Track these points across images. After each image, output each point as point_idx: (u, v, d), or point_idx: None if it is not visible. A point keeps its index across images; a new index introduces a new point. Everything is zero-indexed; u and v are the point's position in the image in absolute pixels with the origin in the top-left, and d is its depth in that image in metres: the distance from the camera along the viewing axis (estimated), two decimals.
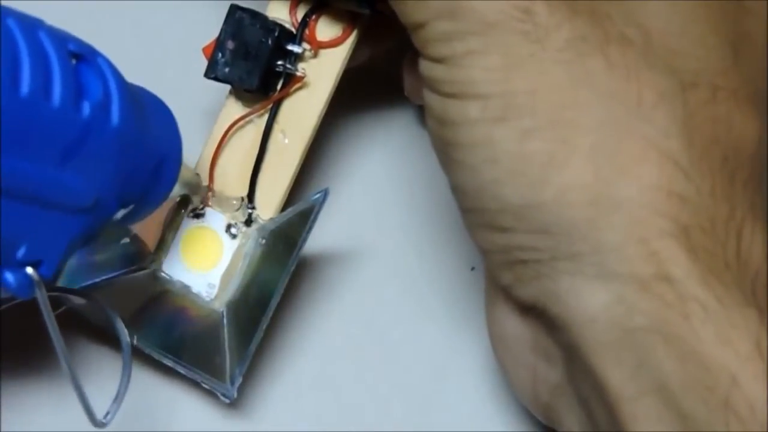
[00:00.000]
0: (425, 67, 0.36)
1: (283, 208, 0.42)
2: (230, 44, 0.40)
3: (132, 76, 0.46)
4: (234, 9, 0.40)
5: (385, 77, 0.44)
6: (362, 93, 0.43)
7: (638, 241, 0.33)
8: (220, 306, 0.42)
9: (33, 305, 0.40)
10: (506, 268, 0.36)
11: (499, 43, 0.34)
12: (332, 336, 0.45)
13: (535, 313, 0.36)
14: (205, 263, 0.42)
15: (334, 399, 0.44)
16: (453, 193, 0.37)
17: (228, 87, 0.42)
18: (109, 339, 0.42)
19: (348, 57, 0.41)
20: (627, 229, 0.33)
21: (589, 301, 0.34)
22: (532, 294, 0.35)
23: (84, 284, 0.41)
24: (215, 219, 0.42)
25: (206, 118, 0.44)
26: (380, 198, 0.46)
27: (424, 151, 0.46)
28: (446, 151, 0.36)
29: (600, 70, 0.34)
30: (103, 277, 0.42)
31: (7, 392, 0.44)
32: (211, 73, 0.41)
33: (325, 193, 0.40)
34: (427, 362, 0.44)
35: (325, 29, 0.41)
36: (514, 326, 0.38)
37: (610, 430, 0.34)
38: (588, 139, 0.34)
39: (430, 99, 0.36)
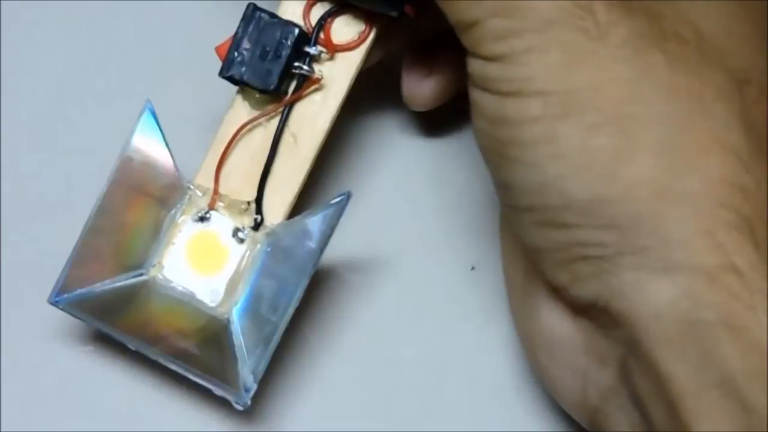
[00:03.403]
0: (477, 66, 0.35)
1: (292, 213, 0.41)
2: (247, 44, 0.40)
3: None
4: (253, 8, 0.40)
5: (388, 78, 0.44)
6: (362, 94, 0.42)
7: (705, 233, 0.34)
8: (225, 312, 0.40)
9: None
10: (564, 267, 0.36)
11: (559, 40, 0.34)
12: (344, 340, 0.44)
13: (590, 313, 0.36)
14: (210, 268, 0.41)
15: (350, 405, 0.44)
16: (503, 192, 0.37)
17: (234, 88, 0.41)
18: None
19: (364, 59, 0.41)
20: (694, 221, 0.34)
21: (654, 296, 0.34)
22: (592, 292, 0.35)
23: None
24: (221, 223, 0.41)
25: (208, 119, 0.43)
26: (379, 199, 0.46)
27: (421, 153, 0.46)
28: (501, 151, 0.35)
29: (660, 65, 0.35)
30: (104, 284, 0.40)
31: (7, 392, 0.42)
32: (227, 71, 0.40)
33: (348, 196, 0.39)
34: (436, 363, 0.44)
35: (340, 31, 0.41)
36: (565, 329, 0.38)
37: (667, 428, 0.34)
38: (654, 133, 0.34)
39: (482, 98, 0.36)
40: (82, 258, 0.40)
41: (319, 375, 0.44)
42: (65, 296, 0.39)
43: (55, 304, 0.39)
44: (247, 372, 0.39)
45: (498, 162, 0.36)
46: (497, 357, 0.44)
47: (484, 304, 0.45)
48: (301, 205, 0.41)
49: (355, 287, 0.44)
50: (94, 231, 0.40)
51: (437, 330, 0.44)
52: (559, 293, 0.37)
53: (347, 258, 0.44)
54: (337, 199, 0.39)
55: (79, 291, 0.40)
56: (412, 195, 0.46)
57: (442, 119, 0.45)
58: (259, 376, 0.39)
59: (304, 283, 0.39)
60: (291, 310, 0.39)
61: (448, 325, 0.45)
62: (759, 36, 0.37)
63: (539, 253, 0.36)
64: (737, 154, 0.34)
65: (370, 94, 0.44)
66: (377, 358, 0.44)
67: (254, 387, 0.39)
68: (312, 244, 0.39)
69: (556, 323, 0.38)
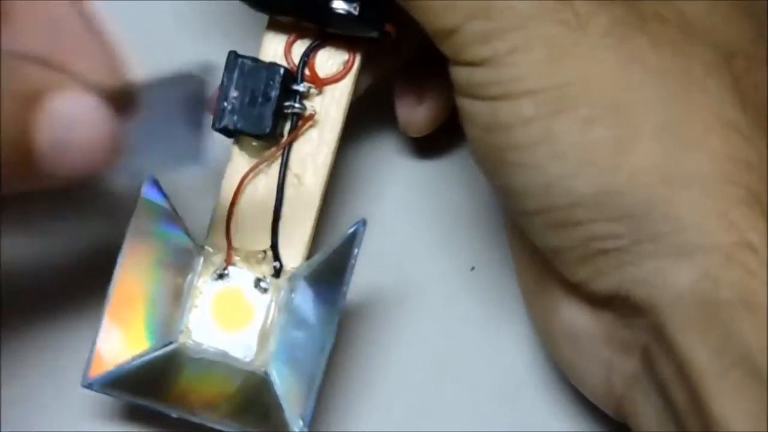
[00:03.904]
0: (462, 73, 0.35)
1: (310, 252, 0.40)
2: (234, 92, 0.39)
3: None
4: (234, 56, 0.39)
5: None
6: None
7: (717, 212, 0.33)
8: (262, 365, 0.40)
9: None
10: (582, 263, 0.35)
11: (541, 35, 0.34)
12: (347, 344, 0.44)
13: (611, 304, 0.36)
14: (238, 324, 0.40)
15: (354, 405, 0.44)
16: (508, 199, 0.36)
17: (230, 141, 0.40)
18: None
19: (353, 88, 0.40)
20: (704, 201, 0.33)
21: (675, 280, 0.34)
22: (614, 283, 0.35)
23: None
24: (241, 277, 0.40)
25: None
26: (381, 215, 0.45)
27: (420, 169, 0.47)
28: (499, 157, 0.35)
29: (646, 48, 0.34)
30: (135, 360, 0.39)
31: (7, 392, 0.42)
32: (219, 123, 0.39)
33: (363, 223, 0.38)
34: (437, 364, 0.44)
35: (324, 64, 0.40)
36: (586, 323, 0.37)
37: (689, 413, 0.34)
38: (651, 118, 0.34)
39: (471, 106, 0.35)
40: (108, 337, 0.39)
41: (332, 383, 0.43)
42: (97, 378, 0.39)
43: (88, 387, 0.39)
44: (296, 418, 0.38)
45: (497, 169, 0.35)
46: (498, 357, 0.44)
47: (484, 304, 0.45)
48: (318, 242, 0.41)
49: (358, 292, 0.44)
50: (114, 309, 0.39)
51: (439, 331, 0.45)
52: (577, 289, 0.36)
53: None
54: (353, 229, 0.38)
55: (110, 371, 0.39)
56: (412, 205, 0.46)
57: (438, 136, 0.45)
58: (309, 420, 0.38)
59: (336, 318, 0.38)
60: (329, 348, 0.38)
61: (448, 325, 0.45)
62: (739, 10, 0.37)
63: (555, 254, 0.36)
64: (737, 128, 0.34)
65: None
66: (380, 360, 0.44)
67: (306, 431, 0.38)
68: (337, 279, 0.38)
69: (576, 318, 0.37)
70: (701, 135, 0.33)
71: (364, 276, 0.41)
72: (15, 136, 0.30)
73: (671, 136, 0.33)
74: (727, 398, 0.33)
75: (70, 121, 0.30)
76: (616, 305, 0.36)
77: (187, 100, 0.33)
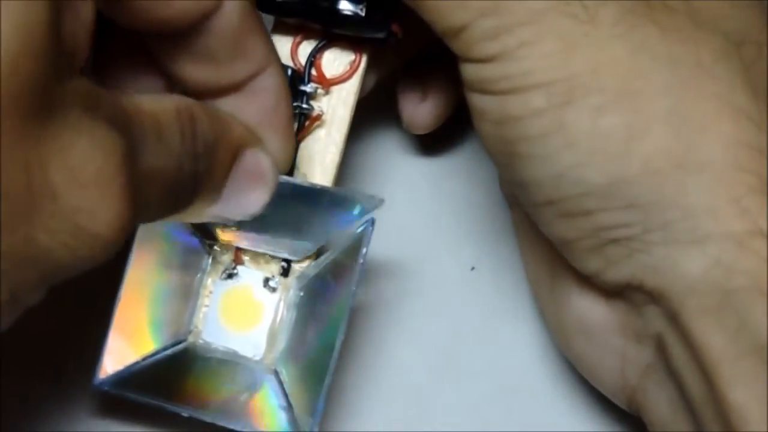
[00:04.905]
0: (472, 70, 0.35)
1: (318, 251, 0.41)
2: None
3: None
4: None
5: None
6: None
7: (729, 199, 0.33)
8: (271, 363, 0.40)
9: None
10: (594, 253, 0.36)
11: (551, 28, 0.34)
12: (348, 343, 0.44)
13: (624, 294, 0.36)
14: (247, 323, 0.41)
15: (352, 406, 0.44)
16: (520, 191, 0.36)
17: None
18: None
19: (360, 87, 0.40)
20: (716, 188, 0.34)
21: (687, 268, 0.34)
22: (626, 273, 0.35)
23: None
24: (250, 276, 0.41)
25: None
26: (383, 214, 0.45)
27: (422, 169, 0.47)
28: (511, 150, 0.35)
29: (655, 37, 0.35)
30: (145, 359, 0.39)
31: (7, 392, 0.42)
32: None
33: (372, 222, 0.39)
34: (438, 363, 0.44)
35: (331, 64, 0.40)
36: (599, 314, 0.38)
37: (703, 400, 0.34)
38: (661, 105, 0.34)
39: (482, 101, 0.36)
40: (118, 337, 0.39)
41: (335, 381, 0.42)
42: (108, 377, 0.39)
43: (100, 386, 0.39)
44: (306, 416, 0.38)
45: (509, 162, 0.36)
46: (498, 356, 0.45)
47: (484, 304, 0.45)
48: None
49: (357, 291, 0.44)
50: (125, 310, 0.39)
51: (439, 331, 0.45)
52: (590, 280, 0.37)
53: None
54: (362, 228, 0.39)
55: (121, 370, 0.39)
56: (413, 204, 0.46)
57: (440, 134, 0.45)
58: (319, 418, 0.38)
59: (345, 316, 0.38)
60: (338, 346, 0.38)
61: (448, 325, 0.45)
62: None
63: (567, 245, 0.36)
64: (748, 115, 0.34)
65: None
66: (379, 359, 0.44)
67: (316, 430, 0.38)
68: (345, 278, 0.39)
69: (589, 309, 0.38)
70: (712, 121, 0.34)
71: (364, 275, 0.41)
72: (218, 177, 0.33)
73: (682, 122, 0.34)
74: (742, 385, 0.33)
75: (253, 172, 0.34)
76: (629, 294, 0.36)
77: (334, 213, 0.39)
